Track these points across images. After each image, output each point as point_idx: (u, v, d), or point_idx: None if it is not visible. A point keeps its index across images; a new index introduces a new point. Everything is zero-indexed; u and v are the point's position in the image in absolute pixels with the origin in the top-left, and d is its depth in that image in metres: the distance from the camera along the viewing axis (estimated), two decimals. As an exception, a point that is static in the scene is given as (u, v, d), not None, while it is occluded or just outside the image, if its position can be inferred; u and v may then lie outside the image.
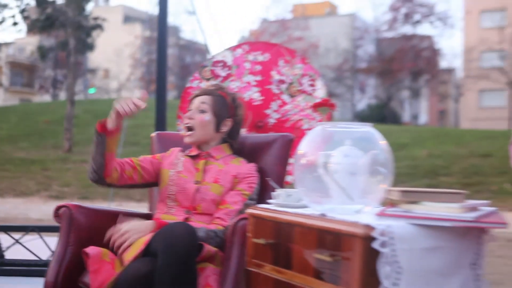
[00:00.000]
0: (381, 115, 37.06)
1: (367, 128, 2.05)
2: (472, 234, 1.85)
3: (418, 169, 13.82)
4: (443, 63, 40.97)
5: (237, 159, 2.74)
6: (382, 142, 2.02)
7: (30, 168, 15.73)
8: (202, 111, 2.71)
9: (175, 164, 2.75)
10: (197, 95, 2.78)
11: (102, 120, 2.53)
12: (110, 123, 2.52)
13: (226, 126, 2.75)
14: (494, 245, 7.11)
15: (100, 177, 2.60)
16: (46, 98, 37.34)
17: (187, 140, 2.73)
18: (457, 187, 12.37)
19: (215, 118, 2.71)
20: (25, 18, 19.09)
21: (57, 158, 16.64)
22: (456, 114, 44.49)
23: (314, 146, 2.04)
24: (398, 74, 37.01)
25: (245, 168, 2.68)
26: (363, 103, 41.90)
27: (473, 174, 13.40)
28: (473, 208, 1.85)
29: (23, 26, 19.72)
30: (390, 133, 19.30)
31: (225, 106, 2.75)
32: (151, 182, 2.80)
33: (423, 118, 45.19)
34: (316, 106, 3.93)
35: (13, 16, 18.53)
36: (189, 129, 2.72)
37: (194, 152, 2.76)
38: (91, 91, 39.62)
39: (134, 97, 2.54)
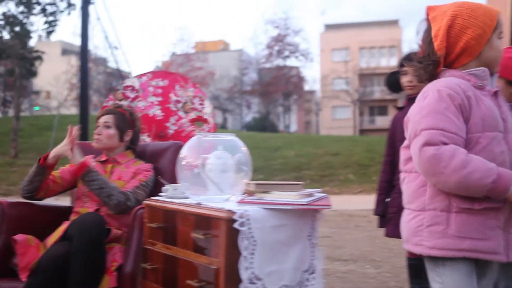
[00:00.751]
0: (262, 125, 37.55)
1: (233, 137, 2.06)
2: (307, 214, 1.89)
3: (287, 165, 14.04)
4: (307, 87, 42.09)
5: (138, 162, 2.68)
6: (244, 148, 2.05)
7: (-18, 171, 14.71)
8: (107, 127, 2.64)
9: None
10: (102, 115, 2.70)
11: (44, 155, 2.46)
12: (51, 159, 2.45)
13: (128, 136, 2.70)
14: (340, 219, 7.36)
15: (32, 196, 2.53)
16: (-2, 114, 35.19)
17: (95, 146, 2.66)
18: (316, 178, 12.72)
19: (118, 131, 2.65)
20: (-24, 50, 17.87)
21: (5, 163, 15.59)
22: (317, 124, 45.89)
23: (194, 150, 2.03)
24: (274, 95, 37.70)
25: (143, 166, 2.64)
26: (249, 116, 42.38)
27: (327, 168, 13.75)
28: (309, 195, 1.89)
29: (-24, 56, 18.34)
30: (269, 138, 19.61)
31: (125, 121, 2.69)
32: (71, 187, 2.71)
33: (293, 127, 46.25)
34: (193, 121, 3.93)
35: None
36: (98, 141, 2.65)
37: (104, 158, 2.69)
38: (36, 108, 38.09)
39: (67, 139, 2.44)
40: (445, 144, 1.44)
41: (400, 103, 2.79)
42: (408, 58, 2.69)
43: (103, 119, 2.66)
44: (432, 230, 1.49)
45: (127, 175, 2.58)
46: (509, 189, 1.41)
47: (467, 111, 1.49)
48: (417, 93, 2.67)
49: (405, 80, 2.70)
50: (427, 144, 1.45)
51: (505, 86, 2.12)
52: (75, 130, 2.43)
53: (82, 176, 2.39)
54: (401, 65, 2.72)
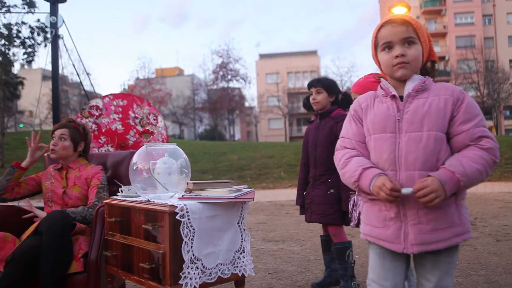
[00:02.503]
0: (212, 135, 37.32)
1: (175, 146, 2.06)
2: (236, 205, 1.91)
3: (232, 167, 14.01)
4: (247, 104, 42.22)
5: (89, 165, 2.58)
6: (184, 155, 2.04)
7: (-30, 181, 13.74)
8: (63, 139, 2.54)
9: (49, 177, 2.56)
10: (57, 128, 2.60)
11: (19, 161, 2.42)
12: (24, 164, 2.44)
13: (80, 147, 2.61)
14: (274, 208, 7.40)
15: None
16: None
17: (52, 156, 2.56)
18: (254, 176, 12.76)
19: (72, 143, 2.56)
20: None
21: (-8, 172, 14.74)
22: (256, 133, 46.08)
23: (143, 157, 2.00)
24: (220, 111, 37.62)
25: (93, 169, 2.54)
26: (201, 128, 42.07)
27: (264, 168, 13.81)
28: (237, 190, 1.91)
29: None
30: (217, 146, 19.50)
31: (78, 134, 2.60)
32: (36, 191, 2.61)
33: (237, 136, 46.22)
34: (141, 133, 3.88)
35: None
36: (54, 152, 2.55)
37: (59, 166, 2.59)
38: (20, 125, 36.63)
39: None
40: (346, 147, 1.46)
41: (312, 118, 2.89)
42: (311, 83, 2.80)
43: (59, 131, 2.56)
44: (361, 217, 1.50)
45: (81, 181, 2.48)
46: (369, 186, 1.35)
47: (361, 119, 1.45)
48: (321, 108, 2.78)
49: (311, 98, 2.79)
50: (335, 149, 1.51)
51: None
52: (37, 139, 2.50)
53: None
54: (308, 88, 2.82)
